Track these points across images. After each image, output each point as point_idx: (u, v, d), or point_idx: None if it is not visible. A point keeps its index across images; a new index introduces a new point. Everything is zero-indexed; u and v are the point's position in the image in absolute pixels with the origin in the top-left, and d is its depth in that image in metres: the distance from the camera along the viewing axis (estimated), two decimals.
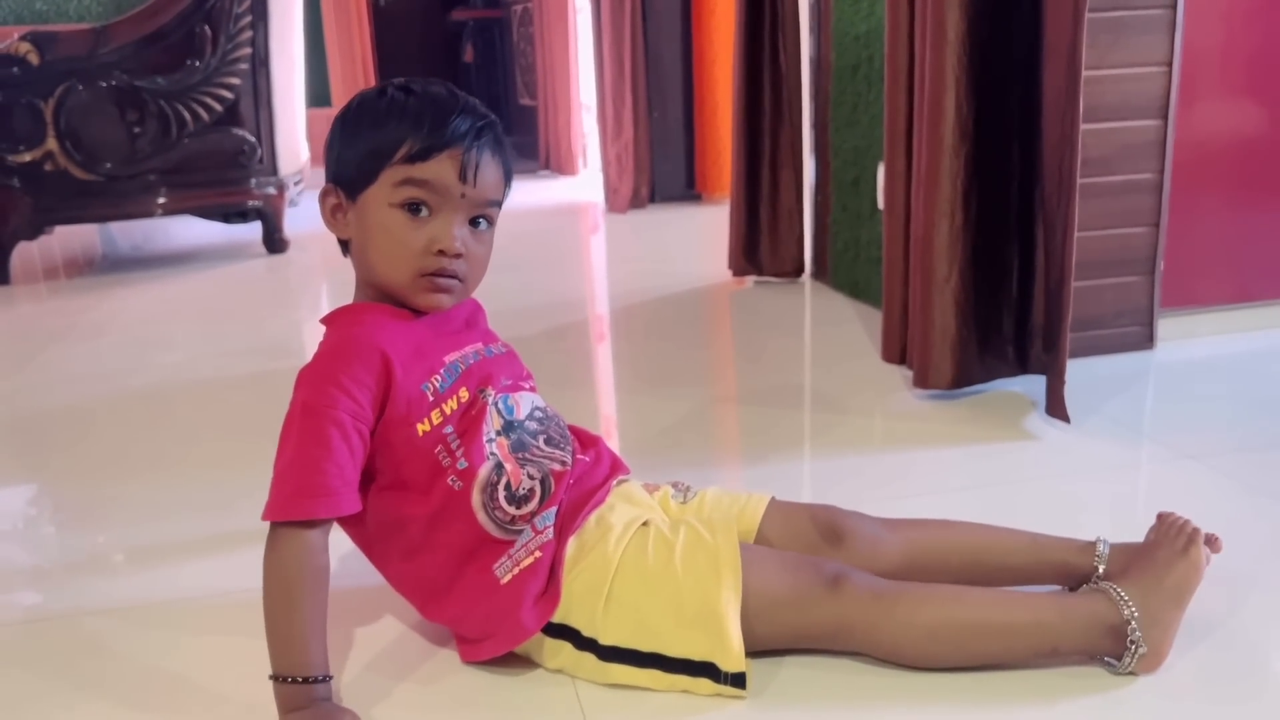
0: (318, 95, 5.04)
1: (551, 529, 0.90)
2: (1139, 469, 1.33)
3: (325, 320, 0.93)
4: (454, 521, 0.89)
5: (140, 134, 2.91)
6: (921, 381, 1.55)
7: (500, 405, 0.93)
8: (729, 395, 1.74)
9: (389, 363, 0.86)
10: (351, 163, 0.90)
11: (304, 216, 4.00)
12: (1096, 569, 0.94)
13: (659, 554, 0.88)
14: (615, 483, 0.98)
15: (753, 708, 0.85)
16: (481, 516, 0.89)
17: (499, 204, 0.95)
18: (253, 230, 3.40)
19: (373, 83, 5.26)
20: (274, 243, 3.25)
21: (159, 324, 2.44)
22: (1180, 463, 1.31)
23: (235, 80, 2.97)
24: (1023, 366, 1.58)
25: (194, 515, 1.31)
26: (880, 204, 2.06)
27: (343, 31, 5.16)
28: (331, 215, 0.93)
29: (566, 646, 0.88)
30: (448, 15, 7.10)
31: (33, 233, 2.99)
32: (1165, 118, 1.67)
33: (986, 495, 1.25)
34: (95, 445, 1.60)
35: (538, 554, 0.88)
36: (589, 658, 0.88)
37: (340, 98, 5.24)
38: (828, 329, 2.07)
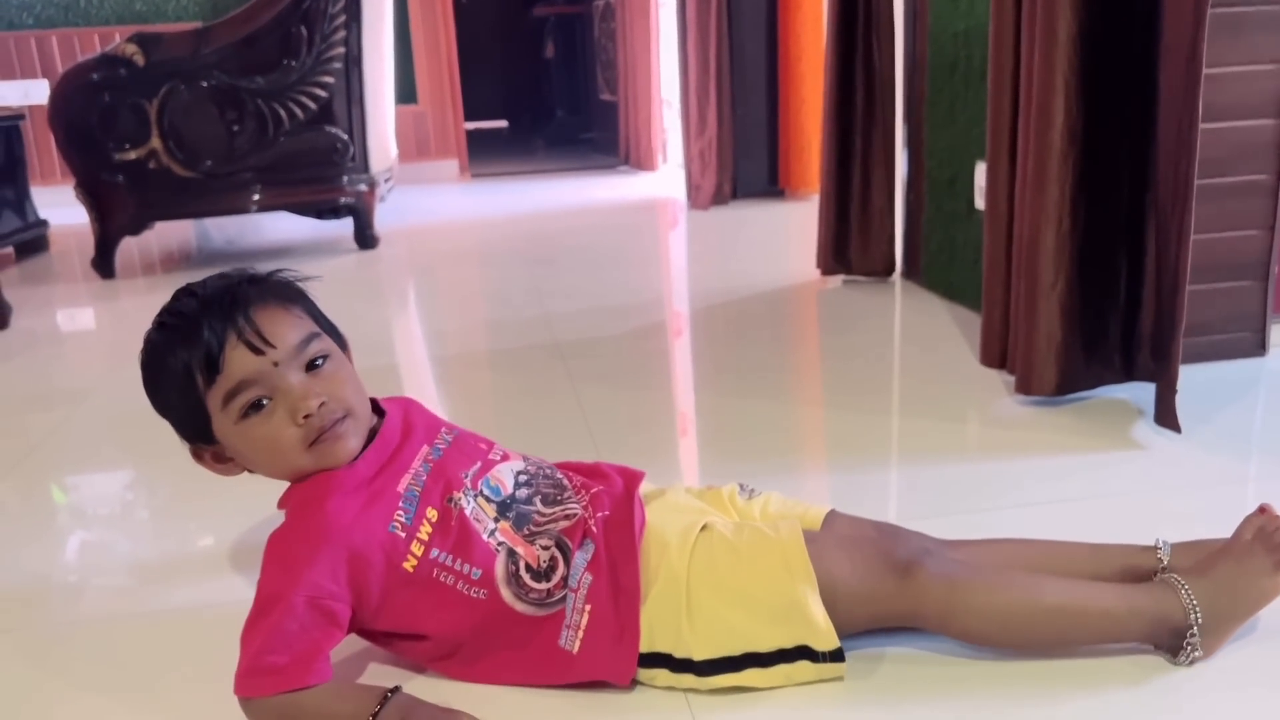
0: (405, 92, 5.12)
1: (586, 575, 0.89)
2: (1250, 483, 1.28)
3: (282, 504, 0.90)
4: (499, 623, 0.89)
5: (239, 132, 2.99)
6: (1024, 387, 1.52)
7: (485, 492, 0.91)
8: (814, 398, 1.73)
9: (350, 544, 0.84)
10: (183, 421, 0.90)
11: (393, 212, 4.08)
12: (1160, 564, 0.93)
13: (727, 560, 0.88)
14: (641, 492, 0.96)
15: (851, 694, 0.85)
16: (520, 607, 0.88)
17: (316, 333, 0.91)
18: (343, 226, 3.48)
19: (457, 80, 5.34)
20: (365, 239, 3.32)
21: None
22: None
23: (329, 79, 3.04)
24: (1129, 374, 1.54)
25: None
26: (979, 204, 2.03)
27: (428, 29, 5.23)
28: (217, 464, 0.92)
29: (663, 672, 0.88)
30: (529, 11, 7.16)
31: (136, 229, 3.09)
32: None
33: (1092, 508, 1.22)
34: None
35: (588, 608, 0.88)
36: (687, 677, 0.88)
37: (426, 95, 5.32)
38: (921, 331, 2.04)
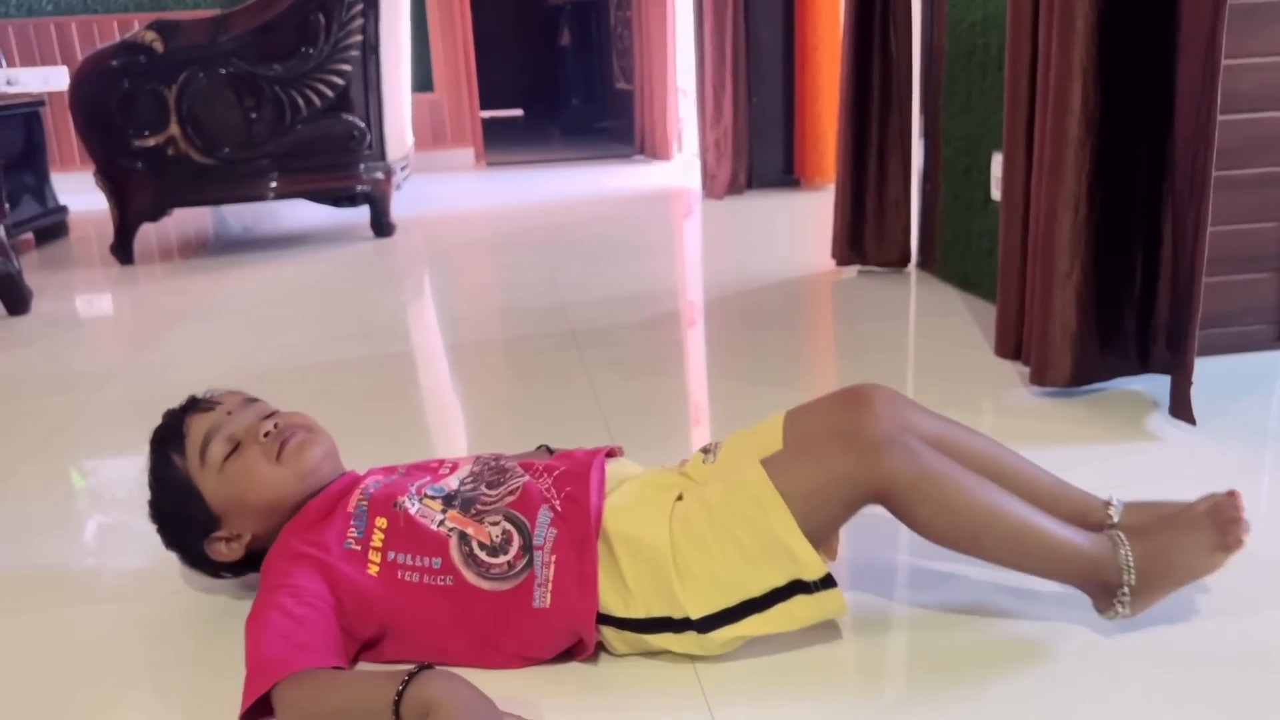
0: (421, 80, 5.13)
1: (550, 530, 0.91)
2: (1265, 474, 1.28)
3: (263, 571, 0.96)
4: (473, 605, 0.90)
5: (256, 120, 3.00)
6: (1039, 378, 1.52)
7: (429, 493, 0.96)
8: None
9: (316, 560, 0.91)
10: (183, 513, 1.00)
11: (409, 200, 4.09)
12: (1109, 520, 0.96)
13: (702, 516, 0.89)
14: (614, 468, 1.00)
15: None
16: (487, 585, 0.90)
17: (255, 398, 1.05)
18: (359, 214, 3.49)
19: (473, 68, 5.34)
20: (381, 226, 3.33)
21: (273, 305, 2.53)
22: None
23: (346, 67, 3.05)
24: (1144, 365, 1.54)
25: None
26: (995, 194, 2.02)
27: (444, 17, 5.24)
28: (228, 543, 0.99)
29: (667, 635, 0.89)
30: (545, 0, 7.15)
31: (155, 215, 3.11)
32: None
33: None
34: None
35: (554, 558, 0.90)
36: (690, 635, 0.89)
37: (442, 83, 5.32)
38: (936, 320, 2.04)
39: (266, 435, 0.98)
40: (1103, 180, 1.44)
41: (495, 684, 0.86)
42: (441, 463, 1.04)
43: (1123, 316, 1.51)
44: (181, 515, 1.00)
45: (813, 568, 0.87)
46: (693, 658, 0.91)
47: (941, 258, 2.30)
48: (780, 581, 0.87)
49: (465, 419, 1.68)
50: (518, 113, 8.78)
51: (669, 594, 0.88)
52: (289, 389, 1.82)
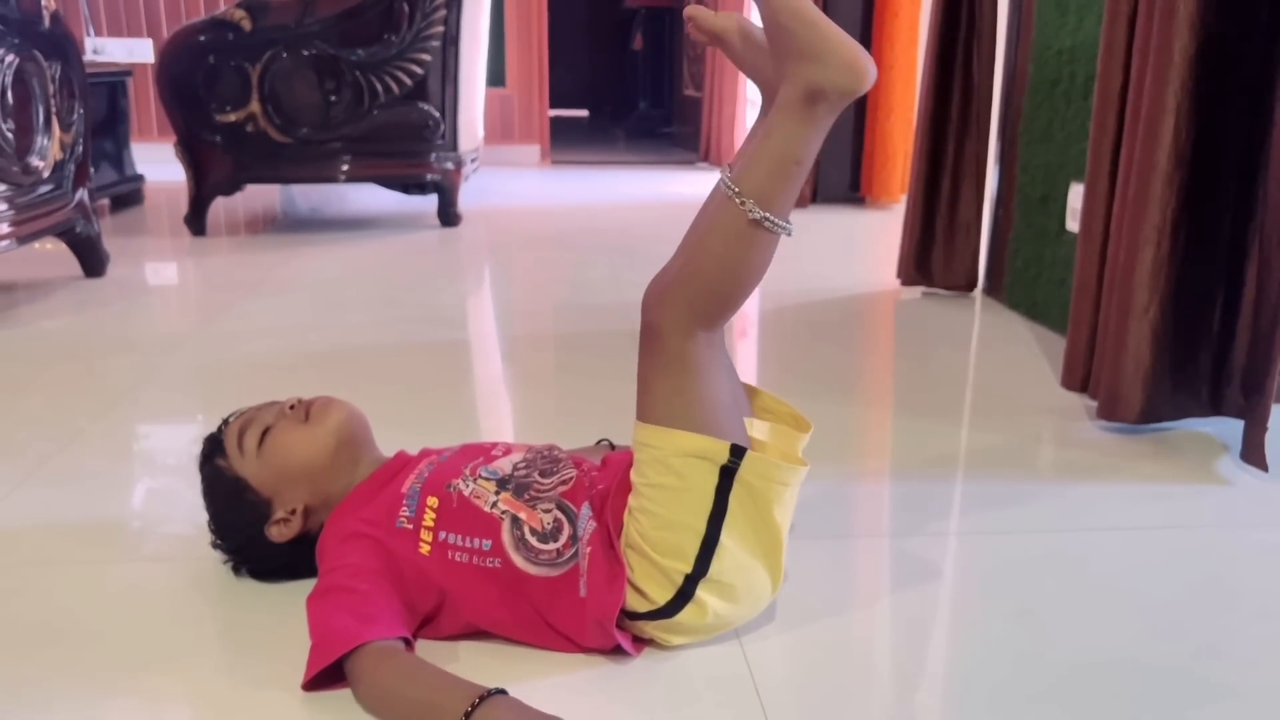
0: (494, 75, 5.17)
1: (590, 524, 0.91)
2: None
3: (319, 555, 0.98)
4: (522, 588, 0.91)
5: (335, 102, 3.05)
6: (1108, 412, 1.50)
7: (483, 475, 0.96)
8: (882, 404, 1.72)
9: (372, 536, 0.94)
10: (241, 511, 1.02)
11: (476, 193, 4.13)
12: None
13: (634, 495, 0.89)
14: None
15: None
16: (535, 570, 0.91)
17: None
18: (427, 203, 3.53)
19: (545, 66, 5.38)
20: (448, 216, 3.36)
21: (338, 285, 2.56)
22: None
23: (426, 56, 3.09)
24: (1216, 408, 1.51)
25: None
26: (1070, 224, 2.00)
27: (521, 14, 5.28)
28: (284, 525, 1.00)
29: (689, 609, 0.89)
30: (621, 2, 7.18)
31: (230, 189, 3.17)
32: None
33: (1171, 537, 1.19)
34: (283, 395, 1.68)
35: (589, 550, 0.90)
36: (699, 593, 0.88)
37: (514, 79, 5.37)
38: (1001, 348, 2.02)
39: (292, 408, 1.02)
40: (1188, 216, 1.42)
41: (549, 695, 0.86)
42: (495, 444, 1.04)
43: (1198, 356, 1.49)
44: (237, 512, 1.02)
45: (718, 449, 0.86)
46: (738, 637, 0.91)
47: (1010, 285, 2.28)
48: (712, 480, 0.87)
49: (519, 409, 1.69)
50: (583, 113, 8.83)
51: (659, 572, 0.88)
52: (350, 367, 1.85)
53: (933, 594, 1.06)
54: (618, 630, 0.89)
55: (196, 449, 1.07)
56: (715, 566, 0.88)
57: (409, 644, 0.88)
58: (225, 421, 1.05)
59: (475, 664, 0.91)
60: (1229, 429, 1.50)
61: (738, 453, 0.87)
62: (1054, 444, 1.52)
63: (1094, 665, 0.92)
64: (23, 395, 1.70)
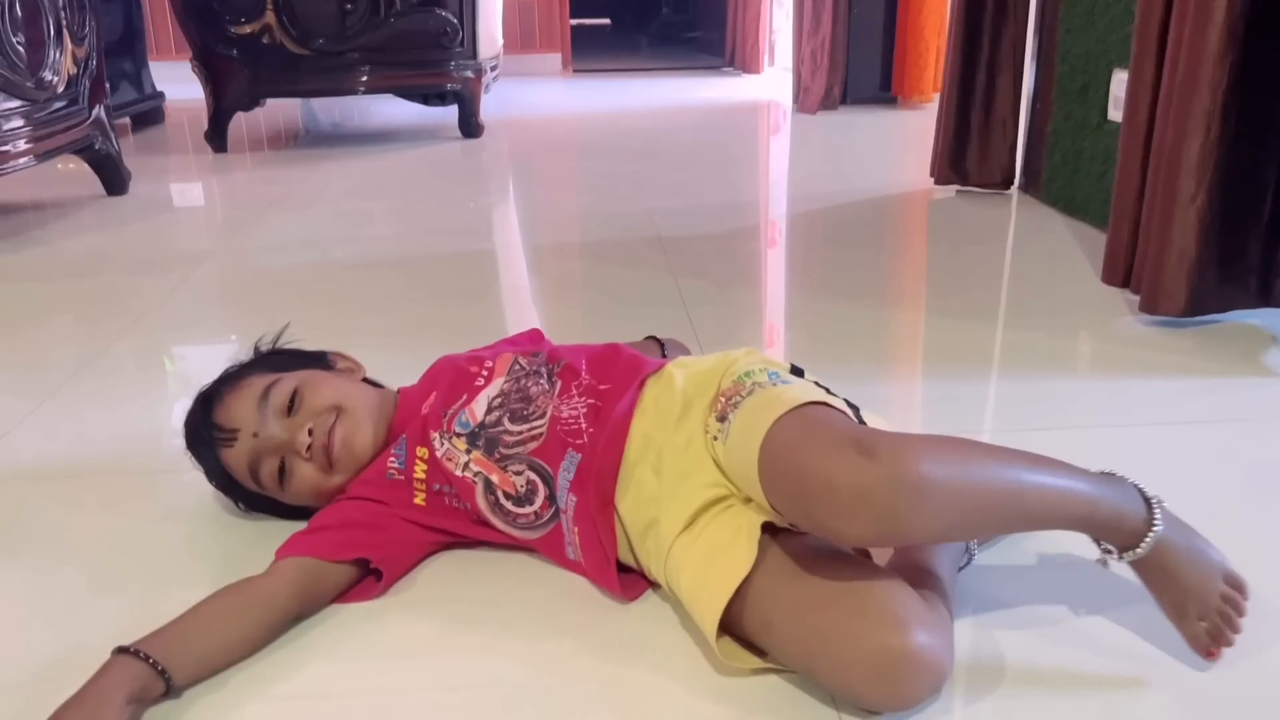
0: None
1: (570, 497, 0.87)
2: None
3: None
4: (513, 545, 0.92)
5: (351, 11, 2.98)
6: (1150, 306, 1.45)
7: (456, 429, 0.92)
8: (915, 306, 1.67)
9: (359, 496, 0.93)
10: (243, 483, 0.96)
11: (497, 103, 4.06)
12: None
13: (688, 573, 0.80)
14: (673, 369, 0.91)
15: None
16: (516, 532, 0.91)
17: (271, 383, 0.94)
18: (448, 114, 3.47)
19: None
20: (470, 127, 3.31)
21: (361, 199, 2.54)
22: None
23: None
24: (1265, 299, 1.46)
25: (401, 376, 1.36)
26: (1112, 114, 1.92)
27: None
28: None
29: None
30: None
31: (249, 104, 3.13)
32: None
33: (1218, 431, 1.16)
34: (311, 308, 1.67)
35: (577, 529, 0.87)
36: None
37: None
38: (1038, 245, 1.96)
39: (309, 450, 0.92)
40: (1240, 98, 1.35)
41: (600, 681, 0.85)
42: (481, 364, 0.98)
43: (1246, 245, 1.43)
44: (248, 493, 0.99)
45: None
46: None
47: (1047, 180, 2.21)
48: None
49: (548, 317, 1.67)
50: (605, 22, 8.62)
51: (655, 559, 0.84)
52: (375, 280, 1.83)
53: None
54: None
55: (224, 365, 1.03)
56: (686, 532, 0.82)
57: (373, 571, 0.88)
58: (209, 437, 0.94)
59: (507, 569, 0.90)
60: (1277, 321, 1.45)
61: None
62: (1095, 340, 1.48)
63: None
64: (51, 314, 1.70)
